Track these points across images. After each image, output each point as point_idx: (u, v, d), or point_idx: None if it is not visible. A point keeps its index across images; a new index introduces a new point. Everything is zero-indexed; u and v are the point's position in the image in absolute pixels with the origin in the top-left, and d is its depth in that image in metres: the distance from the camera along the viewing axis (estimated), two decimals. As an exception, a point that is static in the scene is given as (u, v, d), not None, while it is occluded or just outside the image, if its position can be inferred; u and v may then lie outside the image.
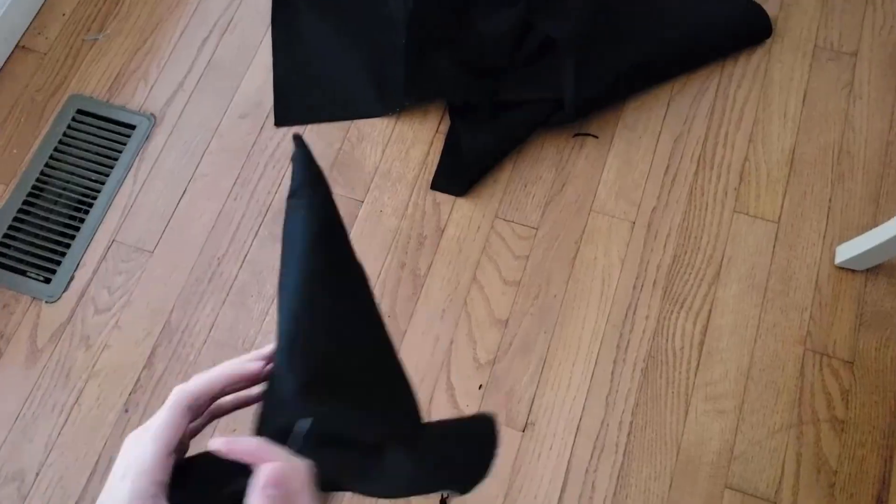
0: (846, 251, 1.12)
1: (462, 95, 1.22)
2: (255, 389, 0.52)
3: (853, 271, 1.14)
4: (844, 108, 1.24)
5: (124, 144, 1.25)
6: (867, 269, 1.13)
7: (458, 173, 1.20)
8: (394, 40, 1.27)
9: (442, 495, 1.06)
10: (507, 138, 1.21)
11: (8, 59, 1.32)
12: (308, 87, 1.29)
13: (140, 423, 0.52)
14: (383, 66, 1.28)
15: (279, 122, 1.26)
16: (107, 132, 1.26)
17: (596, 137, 1.23)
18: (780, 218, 1.18)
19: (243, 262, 1.17)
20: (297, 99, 1.28)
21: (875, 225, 1.16)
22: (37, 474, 1.06)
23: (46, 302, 1.15)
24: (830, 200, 1.19)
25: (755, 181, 1.20)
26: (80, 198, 1.22)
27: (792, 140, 1.23)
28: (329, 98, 1.28)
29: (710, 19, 1.26)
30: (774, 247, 1.16)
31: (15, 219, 1.20)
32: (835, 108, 1.24)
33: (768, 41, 1.29)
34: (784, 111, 1.25)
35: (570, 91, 1.18)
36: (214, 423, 0.50)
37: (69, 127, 1.26)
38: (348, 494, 1.03)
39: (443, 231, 1.18)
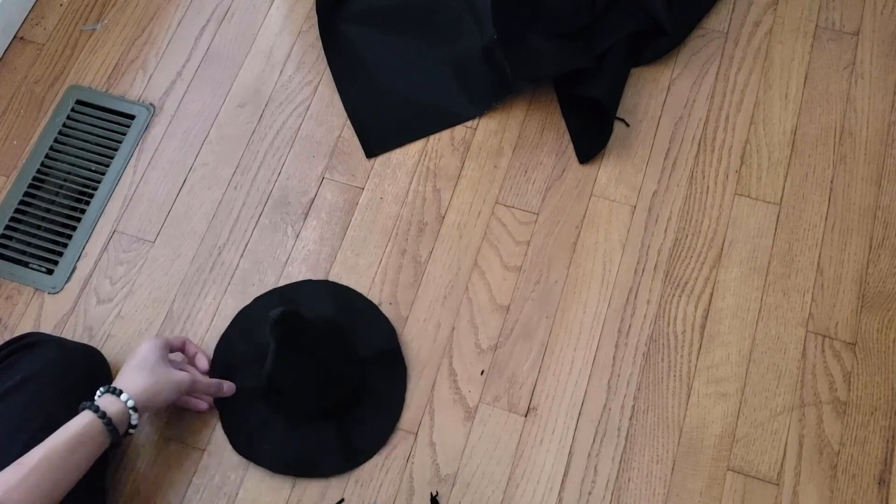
0: (848, 233, 1.12)
1: (568, 63, 1.21)
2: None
3: (855, 252, 1.13)
4: (846, 89, 1.24)
5: (124, 135, 1.25)
6: (869, 250, 1.13)
7: (595, 128, 1.20)
8: (469, 41, 1.27)
9: (431, 493, 1.10)
10: (619, 79, 1.24)
11: (6, 50, 1.31)
12: (387, 110, 1.26)
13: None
14: (464, 68, 1.27)
15: (370, 154, 1.23)
16: (106, 122, 1.26)
17: (627, 125, 1.22)
18: (781, 200, 1.17)
19: (244, 250, 1.17)
20: (379, 126, 1.25)
21: (877, 206, 1.15)
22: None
23: (49, 293, 1.15)
24: (832, 182, 1.18)
25: (756, 163, 1.20)
26: (81, 188, 1.22)
27: (793, 121, 1.22)
28: (414, 115, 1.25)
29: None
30: (776, 229, 1.16)
31: (17, 210, 1.20)
32: (836, 89, 1.24)
33: (769, 22, 1.28)
34: (785, 92, 1.24)
35: (662, 11, 1.23)
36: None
37: (68, 118, 1.26)
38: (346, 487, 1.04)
39: (443, 217, 1.18)
